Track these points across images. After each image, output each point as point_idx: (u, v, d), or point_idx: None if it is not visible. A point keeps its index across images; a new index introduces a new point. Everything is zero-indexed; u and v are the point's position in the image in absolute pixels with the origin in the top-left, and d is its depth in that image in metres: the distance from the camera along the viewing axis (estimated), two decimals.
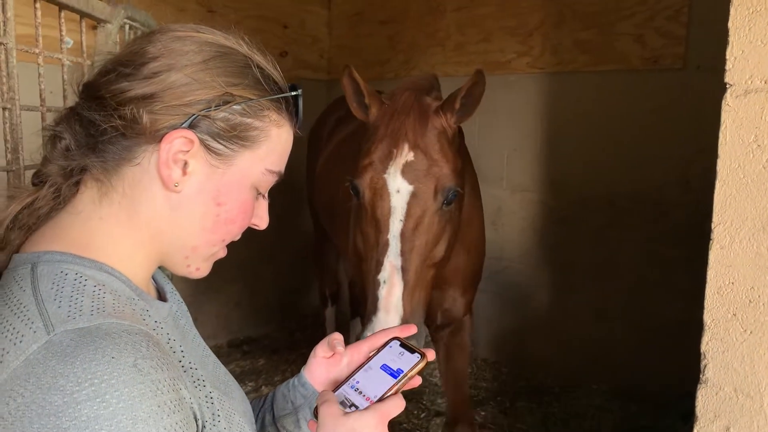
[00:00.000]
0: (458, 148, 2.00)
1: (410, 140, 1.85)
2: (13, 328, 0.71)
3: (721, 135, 0.99)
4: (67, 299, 0.74)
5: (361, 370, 1.03)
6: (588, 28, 3.34)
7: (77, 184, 0.85)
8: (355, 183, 1.89)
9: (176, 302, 1.04)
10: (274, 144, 0.89)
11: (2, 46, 1.07)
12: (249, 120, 0.85)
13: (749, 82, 0.96)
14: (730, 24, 0.97)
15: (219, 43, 0.87)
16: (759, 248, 0.98)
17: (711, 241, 1.02)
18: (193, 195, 0.84)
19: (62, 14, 1.27)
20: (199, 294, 4.07)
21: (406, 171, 1.82)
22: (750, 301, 0.99)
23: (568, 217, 3.55)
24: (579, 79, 3.41)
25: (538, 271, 3.70)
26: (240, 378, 3.70)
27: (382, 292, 1.73)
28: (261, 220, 0.95)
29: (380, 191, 1.83)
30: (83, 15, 1.40)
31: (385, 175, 1.83)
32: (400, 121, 1.89)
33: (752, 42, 0.95)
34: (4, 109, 1.06)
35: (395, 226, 1.79)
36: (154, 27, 1.92)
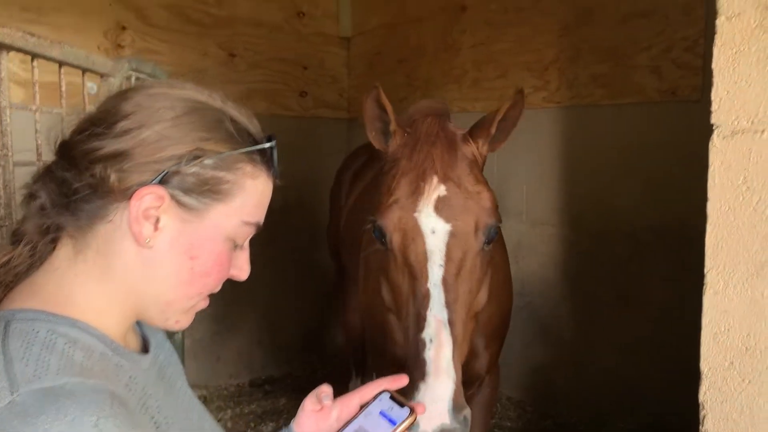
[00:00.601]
0: None
1: (440, 172, 1.62)
2: None
3: (710, 177, 0.97)
4: (34, 358, 0.74)
5: (361, 415, 1.02)
6: (604, 62, 3.32)
7: (54, 241, 0.86)
8: (379, 224, 1.63)
9: (164, 351, 1.04)
10: (249, 196, 0.89)
11: None
12: (221, 173, 0.85)
13: (735, 123, 0.94)
14: (713, 65, 0.95)
15: (192, 98, 0.87)
16: (753, 294, 0.94)
17: (704, 286, 0.98)
18: (165, 250, 0.85)
19: (62, 70, 1.31)
20: (222, 331, 4.10)
21: (441, 207, 1.58)
22: (747, 348, 0.95)
23: (590, 251, 3.49)
24: (596, 113, 3.38)
25: (561, 306, 3.63)
26: (261, 418, 3.69)
27: (429, 353, 1.45)
28: (241, 271, 0.95)
29: (412, 232, 1.58)
30: (85, 70, 1.44)
31: (416, 214, 1.57)
32: (425, 151, 1.67)
33: (737, 83, 0.93)
34: None
35: (435, 272, 1.53)
36: (163, 78, 1.96)
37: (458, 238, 1.56)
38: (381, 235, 1.63)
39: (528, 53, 3.61)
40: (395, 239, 1.60)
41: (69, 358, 0.76)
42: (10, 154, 1.09)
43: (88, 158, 0.82)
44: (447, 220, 1.57)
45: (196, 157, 0.83)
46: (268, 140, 0.92)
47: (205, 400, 4.03)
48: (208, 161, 0.84)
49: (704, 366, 1.01)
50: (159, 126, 0.83)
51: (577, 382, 3.55)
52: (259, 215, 0.92)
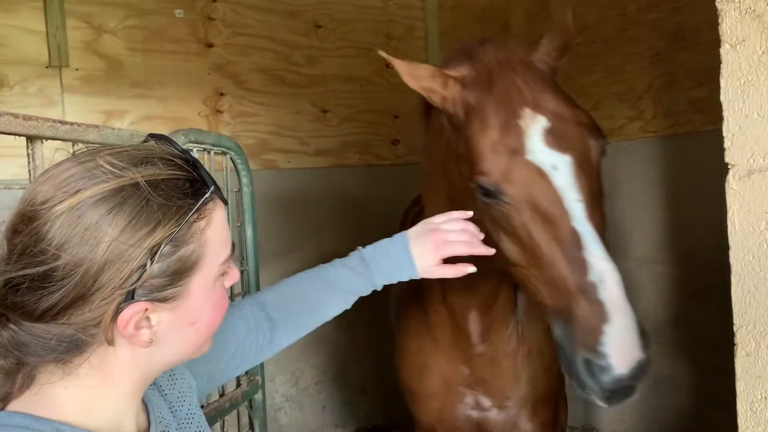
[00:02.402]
0: None
1: (532, 101, 1.46)
2: None
3: (729, 223, 0.85)
4: None
5: None
6: (702, 85, 3.09)
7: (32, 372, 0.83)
8: (483, 183, 1.45)
9: (177, 422, 1.02)
10: (214, 242, 0.85)
11: None
12: (182, 251, 0.81)
13: (751, 162, 0.83)
14: (722, 97, 0.85)
15: (104, 193, 0.77)
16: None
17: (735, 347, 0.86)
18: (167, 335, 0.85)
19: None
20: (326, 381, 4.15)
21: (552, 140, 1.43)
22: None
23: (705, 290, 3.19)
24: (698, 140, 3.13)
25: (676, 352, 3.33)
26: None
27: (604, 294, 1.34)
28: (231, 281, 0.94)
29: (532, 176, 1.41)
30: None
31: (528, 155, 1.41)
32: (504, 81, 1.51)
33: (748, 116, 0.82)
34: None
35: (576, 209, 1.39)
36: (228, 146, 2.05)
37: (581, 165, 1.43)
38: (491, 193, 1.45)
39: (619, 83, 3.44)
40: (514, 190, 1.43)
41: None
42: None
43: (52, 312, 0.77)
44: (563, 151, 1.42)
45: (153, 254, 0.78)
46: (193, 166, 0.84)
47: None
48: (165, 250, 0.79)
49: None
50: (101, 252, 0.76)
51: None
52: (228, 243, 0.89)
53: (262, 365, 2.07)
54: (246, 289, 2.06)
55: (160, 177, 0.80)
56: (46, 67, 3.28)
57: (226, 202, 0.91)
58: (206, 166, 1.80)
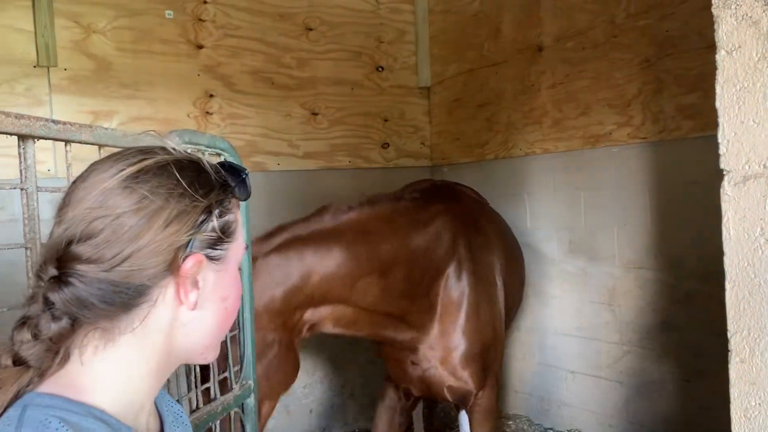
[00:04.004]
0: None
1: None
2: None
3: (724, 229, 0.86)
4: None
5: None
6: (691, 92, 3.11)
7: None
8: None
9: (181, 426, 1.04)
10: (240, 225, 0.94)
11: (24, 191, 1.20)
12: (227, 217, 0.89)
13: (747, 168, 0.83)
14: (717, 104, 0.85)
15: (168, 161, 0.86)
16: None
17: (729, 353, 0.86)
18: (207, 304, 0.89)
19: (101, 151, 1.39)
20: (314, 383, 4.13)
21: None
22: None
23: (692, 295, 3.21)
24: (685, 146, 3.16)
25: (663, 357, 3.35)
26: None
27: None
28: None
29: None
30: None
31: None
32: None
33: (744, 122, 0.83)
34: (26, 248, 1.17)
35: None
36: (222, 147, 2.03)
37: None
38: None
39: (608, 89, 3.46)
40: None
41: None
42: (38, 237, 1.16)
43: (119, 258, 0.81)
44: None
45: (209, 212, 0.86)
46: (230, 169, 0.93)
47: None
48: (216, 212, 0.87)
49: None
50: (168, 203, 0.83)
51: None
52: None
53: (254, 369, 2.06)
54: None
55: (210, 162, 0.92)
56: (34, 66, 3.25)
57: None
58: None
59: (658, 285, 3.36)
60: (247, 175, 0.95)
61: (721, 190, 0.86)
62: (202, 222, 0.85)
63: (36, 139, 1.21)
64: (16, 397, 0.81)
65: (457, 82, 4.42)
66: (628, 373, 3.51)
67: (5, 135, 1.16)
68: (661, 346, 3.35)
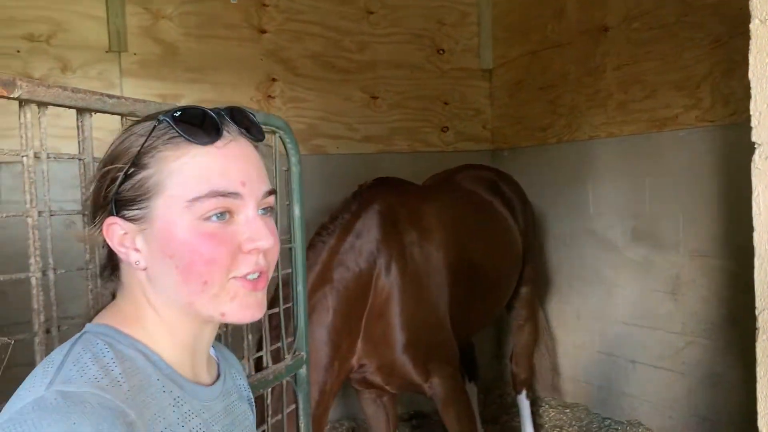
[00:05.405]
0: None
1: None
2: (35, 378, 0.82)
3: (754, 204, 0.82)
4: (81, 365, 0.82)
5: None
6: None
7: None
8: None
9: (237, 391, 1.08)
10: (182, 176, 0.86)
11: (81, 162, 1.27)
12: (142, 173, 0.87)
13: None
14: (750, 74, 0.82)
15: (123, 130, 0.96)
16: None
17: (757, 330, 0.83)
18: (152, 264, 0.89)
19: None
20: None
21: None
22: None
23: None
24: None
25: (727, 348, 3.22)
26: None
27: None
28: (252, 241, 0.88)
29: None
30: None
31: None
32: None
33: None
34: (82, 214, 1.23)
35: None
36: (278, 125, 2.08)
37: None
38: None
39: (676, 70, 3.33)
40: None
41: (107, 371, 0.83)
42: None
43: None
44: None
45: (125, 173, 0.88)
46: (172, 115, 0.89)
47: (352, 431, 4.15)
48: (132, 170, 0.88)
49: (762, 425, 0.85)
50: (102, 166, 0.93)
51: None
52: (209, 185, 0.86)
53: (307, 342, 2.09)
54: (293, 266, 2.07)
55: (162, 116, 0.90)
56: (106, 51, 3.41)
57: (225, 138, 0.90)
58: None
59: (724, 274, 3.23)
60: (180, 115, 0.88)
61: (752, 164, 0.82)
62: (109, 185, 0.89)
63: (93, 113, 1.28)
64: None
65: (519, 64, 4.34)
66: (691, 364, 3.39)
67: (64, 108, 1.23)
68: (725, 337, 3.22)
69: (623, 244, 3.74)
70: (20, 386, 0.83)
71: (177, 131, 0.87)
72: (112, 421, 0.76)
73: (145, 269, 0.90)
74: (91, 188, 0.93)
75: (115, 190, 0.89)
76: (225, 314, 0.89)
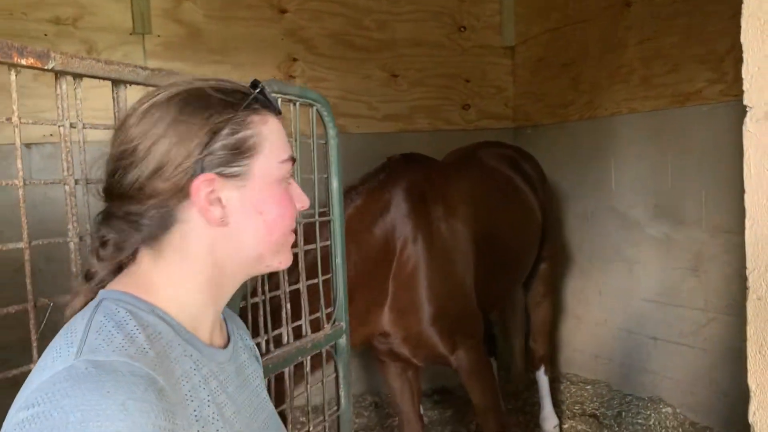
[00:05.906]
0: None
1: None
2: (59, 347, 0.85)
3: (745, 166, 0.84)
4: (105, 333, 0.86)
5: None
6: None
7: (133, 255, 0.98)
8: None
9: (247, 352, 1.12)
10: (271, 139, 0.98)
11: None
12: (240, 134, 0.94)
13: None
14: (742, 38, 0.83)
15: (174, 93, 0.95)
16: None
17: (747, 290, 0.85)
18: (239, 219, 0.95)
19: None
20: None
21: None
22: None
23: None
24: None
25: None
26: (427, 427, 3.75)
27: None
28: (299, 202, 1.04)
29: None
30: None
31: None
32: None
33: (767, 57, 0.80)
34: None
35: None
36: (313, 98, 2.08)
37: None
38: None
39: (700, 44, 3.28)
40: None
41: (132, 339, 0.86)
42: None
43: (136, 187, 0.93)
44: None
45: (214, 134, 0.92)
46: (254, 86, 0.99)
47: (375, 406, 4.21)
48: (224, 132, 0.93)
49: (752, 382, 0.87)
50: (169, 132, 0.92)
51: None
52: (287, 149, 1.01)
53: (346, 311, 2.09)
54: (332, 238, 2.09)
55: (223, 86, 0.97)
56: (130, 34, 3.48)
57: (281, 118, 1.03)
58: (292, 117, 1.84)
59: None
60: (261, 89, 0.99)
61: (743, 126, 0.84)
62: (207, 144, 0.91)
63: (127, 84, 1.32)
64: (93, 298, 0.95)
65: (541, 41, 4.31)
66: (713, 341, 3.38)
67: (98, 79, 1.26)
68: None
69: (645, 221, 3.72)
70: (42, 356, 0.86)
71: (267, 100, 0.99)
72: (145, 388, 0.79)
73: (227, 225, 0.95)
74: (166, 142, 0.92)
75: (220, 141, 0.92)
76: (282, 262, 1.03)
